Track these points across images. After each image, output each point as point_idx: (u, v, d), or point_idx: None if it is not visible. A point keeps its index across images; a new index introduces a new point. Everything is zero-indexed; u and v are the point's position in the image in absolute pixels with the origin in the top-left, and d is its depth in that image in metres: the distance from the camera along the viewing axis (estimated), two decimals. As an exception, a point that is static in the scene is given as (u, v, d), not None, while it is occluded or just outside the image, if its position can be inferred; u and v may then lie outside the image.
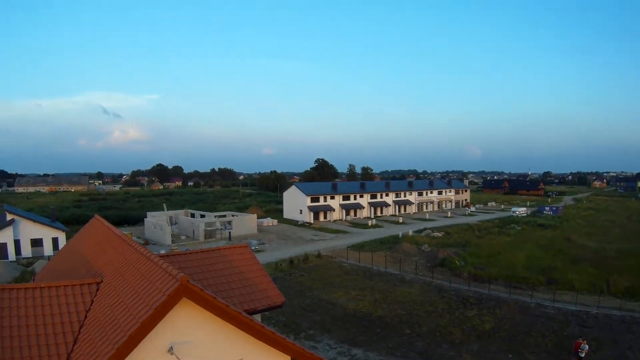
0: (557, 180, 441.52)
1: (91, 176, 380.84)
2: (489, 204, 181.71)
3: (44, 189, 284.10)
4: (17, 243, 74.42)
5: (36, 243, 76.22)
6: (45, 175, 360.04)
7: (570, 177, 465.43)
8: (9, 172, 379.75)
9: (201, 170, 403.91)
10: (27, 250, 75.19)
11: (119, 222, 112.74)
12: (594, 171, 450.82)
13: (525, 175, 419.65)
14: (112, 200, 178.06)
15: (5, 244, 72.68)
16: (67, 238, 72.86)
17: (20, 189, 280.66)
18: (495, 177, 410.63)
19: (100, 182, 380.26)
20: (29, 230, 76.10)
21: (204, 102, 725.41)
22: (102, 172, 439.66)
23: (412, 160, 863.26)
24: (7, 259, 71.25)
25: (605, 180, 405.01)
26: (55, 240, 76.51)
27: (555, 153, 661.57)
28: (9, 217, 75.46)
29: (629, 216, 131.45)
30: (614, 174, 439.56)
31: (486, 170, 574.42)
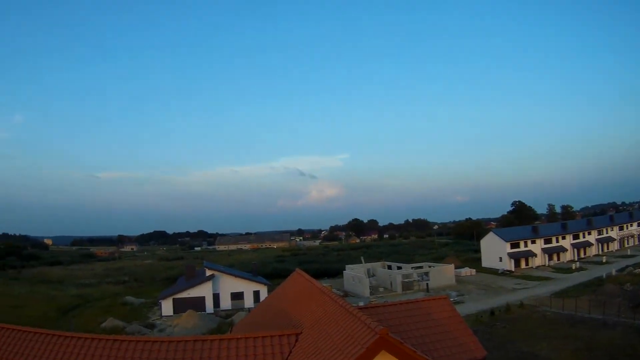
0: None
1: (292, 233, 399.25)
2: None
3: (246, 246, 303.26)
4: (216, 297, 79.70)
5: (236, 296, 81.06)
6: (247, 233, 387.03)
7: None
8: (209, 232, 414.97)
9: (395, 222, 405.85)
10: (226, 303, 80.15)
11: (318, 275, 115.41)
12: None
13: None
14: (312, 255, 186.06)
15: (203, 298, 78.12)
16: (269, 291, 75.83)
17: (221, 247, 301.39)
18: None
19: (301, 238, 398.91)
20: (229, 284, 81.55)
21: (392, 156, 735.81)
22: (302, 228, 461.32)
23: (611, 191, 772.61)
24: (205, 311, 76.08)
25: None
26: (256, 293, 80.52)
27: None
28: (208, 272, 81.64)
29: None
30: None
31: None
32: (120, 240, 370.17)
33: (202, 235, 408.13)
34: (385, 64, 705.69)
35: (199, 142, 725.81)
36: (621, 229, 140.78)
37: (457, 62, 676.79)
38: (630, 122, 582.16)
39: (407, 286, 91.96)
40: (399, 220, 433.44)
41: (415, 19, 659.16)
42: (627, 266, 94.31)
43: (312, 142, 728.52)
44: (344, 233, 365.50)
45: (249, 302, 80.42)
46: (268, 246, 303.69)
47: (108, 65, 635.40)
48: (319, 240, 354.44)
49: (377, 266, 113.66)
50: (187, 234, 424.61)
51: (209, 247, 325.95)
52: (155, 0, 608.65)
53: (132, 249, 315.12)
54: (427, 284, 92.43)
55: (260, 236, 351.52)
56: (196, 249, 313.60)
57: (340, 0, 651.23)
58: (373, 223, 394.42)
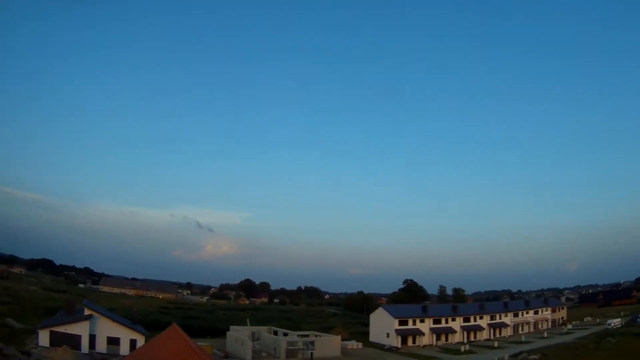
0: None
1: (180, 285, 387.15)
2: (585, 319, 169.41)
3: (130, 291, 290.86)
4: (92, 337, 75.66)
5: (112, 341, 77.22)
6: (134, 278, 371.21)
7: None
8: (95, 270, 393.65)
9: (287, 288, 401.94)
10: (102, 346, 76.23)
11: (202, 332, 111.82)
12: None
13: (618, 285, 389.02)
14: (198, 311, 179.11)
15: (79, 336, 74.23)
16: (146, 341, 73.04)
17: (105, 288, 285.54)
18: (590, 291, 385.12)
19: (189, 292, 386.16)
20: (107, 328, 77.66)
21: (293, 221, 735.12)
22: (192, 282, 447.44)
23: (506, 279, 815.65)
24: (80, 350, 72.33)
25: None
26: (133, 342, 76.91)
27: None
28: (87, 312, 77.80)
29: None
30: None
31: (581, 285, 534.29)
32: (12, 260, 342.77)
33: (87, 272, 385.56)
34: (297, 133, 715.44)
35: (98, 173, 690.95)
36: (516, 315, 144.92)
37: (359, 136, 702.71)
38: (526, 214, 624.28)
39: (291, 354, 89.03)
40: (291, 286, 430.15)
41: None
42: (521, 352, 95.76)
43: (216, 195, 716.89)
44: (233, 292, 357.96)
45: (124, 349, 76.06)
46: (154, 295, 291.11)
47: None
48: (207, 297, 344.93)
49: (263, 330, 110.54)
50: (74, 268, 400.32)
51: (92, 285, 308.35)
52: None
53: (20, 271, 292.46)
54: (311, 353, 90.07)
55: (147, 284, 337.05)
56: (80, 285, 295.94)
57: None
58: (265, 286, 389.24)
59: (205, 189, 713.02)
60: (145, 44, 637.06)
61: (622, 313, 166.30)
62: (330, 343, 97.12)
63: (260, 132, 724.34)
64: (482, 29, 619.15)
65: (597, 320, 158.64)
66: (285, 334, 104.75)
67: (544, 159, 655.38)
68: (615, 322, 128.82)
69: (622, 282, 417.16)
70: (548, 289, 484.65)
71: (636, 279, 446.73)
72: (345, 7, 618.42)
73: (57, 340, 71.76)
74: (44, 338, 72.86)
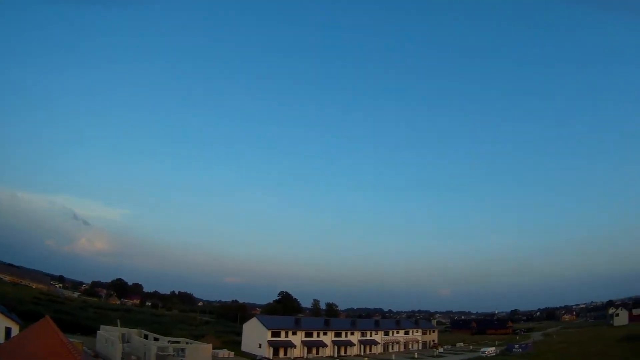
0: (525, 318, 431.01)
1: (53, 277, 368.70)
2: (457, 344, 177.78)
3: (6, 277, 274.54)
4: None
5: None
6: (11, 265, 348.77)
7: (538, 314, 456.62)
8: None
9: (161, 291, 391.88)
10: None
11: (72, 328, 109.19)
12: (562, 305, 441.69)
13: (492, 315, 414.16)
14: (70, 306, 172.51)
15: None
16: (20, 331, 70.45)
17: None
18: (463, 317, 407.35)
19: (61, 285, 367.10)
20: None
21: (172, 224, 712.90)
22: (64, 276, 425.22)
23: (379, 298, 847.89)
24: None
25: (574, 313, 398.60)
26: (8, 330, 73.79)
27: (522, 290, 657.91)
28: None
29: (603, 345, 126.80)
30: (584, 305, 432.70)
31: (453, 310, 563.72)
32: None
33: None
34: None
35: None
36: (387, 334, 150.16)
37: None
38: (402, 236, 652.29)
39: (161, 359, 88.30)
40: (164, 289, 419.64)
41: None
42: None
43: (97, 187, 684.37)
44: (105, 291, 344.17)
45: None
46: (27, 284, 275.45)
47: None
48: (79, 293, 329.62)
49: (134, 333, 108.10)
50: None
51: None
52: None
53: None
54: None
55: (22, 271, 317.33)
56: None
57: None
58: (138, 287, 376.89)
59: (88, 179, 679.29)
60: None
61: (496, 342, 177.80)
62: (201, 351, 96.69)
63: (150, 130, 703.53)
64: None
65: (470, 347, 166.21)
66: (156, 339, 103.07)
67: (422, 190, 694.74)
68: (490, 350, 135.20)
69: (496, 312, 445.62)
70: (419, 311, 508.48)
71: (512, 310, 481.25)
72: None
73: None
74: None
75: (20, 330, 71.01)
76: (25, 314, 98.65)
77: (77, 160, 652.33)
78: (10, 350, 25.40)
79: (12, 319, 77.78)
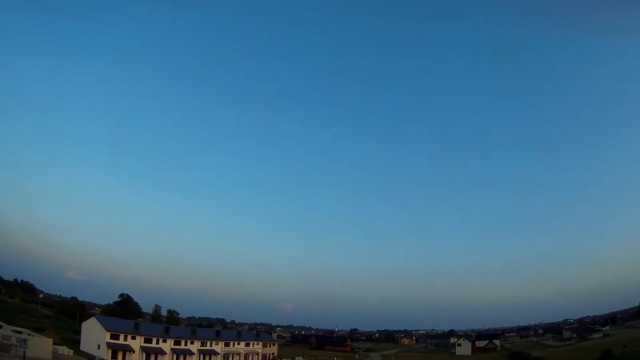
0: (364, 338, 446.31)
1: None
2: (297, 358, 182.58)
3: None
4: None
5: None
6: None
7: (377, 335, 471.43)
8: None
9: (4, 277, 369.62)
10: None
11: None
12: (402, 329, 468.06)
13: (332, 332, 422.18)
14: None
15: None
16: None
17: None
18: (303, 332, 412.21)
19: None
20: None
21: (17, 207, 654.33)
22: None
23: (221, 308, 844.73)
24: None
25: (414, 338, 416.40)
26: None
27: (362, 311, 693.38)
28: None
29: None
30: (424, 332, 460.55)
31: (294, 325, 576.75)
32: None
33: None
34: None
35: None
36: (227, 345, 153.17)
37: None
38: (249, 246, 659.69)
39: (5, 348, 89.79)
40: (7, 276, 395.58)
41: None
42: None
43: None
44: None
45: None
46: None
47: None
48: None
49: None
50: None
51: None
52: None
53: None
54: (24, 352, 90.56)
55: None
56: None
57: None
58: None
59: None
60: None
61: (335, 359, 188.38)
62: (42, 344, 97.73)
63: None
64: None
65: None
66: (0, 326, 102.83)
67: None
68: None
69: (336, 329, 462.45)
70: (261, 324, 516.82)
71: (351, 329, 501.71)
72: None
73: None
74: None
75: None
76: None
77: None
78: None
79: None
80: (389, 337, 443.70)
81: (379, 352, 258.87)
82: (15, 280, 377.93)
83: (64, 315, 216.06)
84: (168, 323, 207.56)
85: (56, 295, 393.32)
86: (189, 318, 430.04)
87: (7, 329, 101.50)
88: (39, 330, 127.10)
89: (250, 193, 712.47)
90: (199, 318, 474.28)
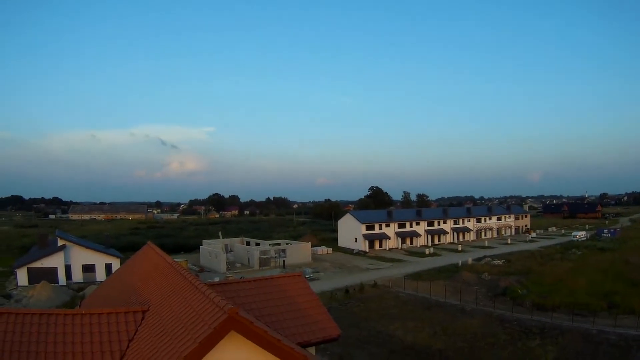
0: (613, 202, 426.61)
1: (150, 205, 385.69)
2: (550, 229, 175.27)
3: (100, 216, 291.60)
4: (68, 268, 76.31)
5: (88, 269, 78.05)
6: (102, 203, 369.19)
7: (626, 198, 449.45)
8: (63, 199, 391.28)
9: (257, 200, 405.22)
10: (78, 276, 77.14)
11: (175, 249, 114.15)
12: None
13: (582, 198, 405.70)
14: (169, 229, 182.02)
15: (55, 269, 74.63)
16: (122, 264, 73.16)
17: (74, 216, 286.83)
18: (554, 202, 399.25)
19: (159, 210, 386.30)
20: (81, 256, 78.18)
21: (259, 134, 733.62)
22: (160, 201, 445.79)
23: (469, 186, 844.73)
24: (58, 283, 73.00)
25: None
26: (108, 267, 77.85)
27: (611, 173, 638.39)
28: (60, 242, 77.82)
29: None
30: None
31: (545, 195, 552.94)
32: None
33: (56, 203, 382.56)
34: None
35: (56, 100, 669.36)
36: (479, 221, 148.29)
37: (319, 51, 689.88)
38: (489, 123, 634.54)
39: (264, 262, 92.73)
40: (260, 197, 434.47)
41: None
42: (485, 256, 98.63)
43: (177, 110, 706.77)
44: (203, 208, 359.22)
45: (100, 275, 76.76)
46: (123, 217, 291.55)
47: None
48: (177, 214, 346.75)
49: (236, 242, 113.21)
50: (43, 200, 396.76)
51: (62, 215, 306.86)
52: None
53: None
54: (283, 260, 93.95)
55: (115, 206, 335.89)
56: (51, 216, 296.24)
57: None
58: (234, 199, 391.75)
59: (165, 105, 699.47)
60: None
61: (587, 226, 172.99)
62: (301, 250, 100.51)
63: (218, 49, 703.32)
64: None
65: (562, 231, 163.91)
66: (257, 244, 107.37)
67: (508, 75, 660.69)
68: (581, 234, 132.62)
69: (587, 195, 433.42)
70: (511, 197, 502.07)
71: (601, 194, 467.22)
72: None
73: (35, 276, 71.74)
74: (22, 277, 72.87)
75: (122, 263, 73.79)
76: (126, 247, 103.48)
77: (149, 88, 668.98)
78: (111, 284, 26.05)
79: (111, 254, 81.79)
80: (637, 199, 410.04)
81: (628, 216, 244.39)
82: (268, 198, 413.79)
83: (319, 218, 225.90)
84: (419, 207, 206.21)
85: (309, 202, 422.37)
86: (438, 199, 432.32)
87: (265, 245, 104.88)
88: (297, 238, 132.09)
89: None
90: (449, 198, 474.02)
